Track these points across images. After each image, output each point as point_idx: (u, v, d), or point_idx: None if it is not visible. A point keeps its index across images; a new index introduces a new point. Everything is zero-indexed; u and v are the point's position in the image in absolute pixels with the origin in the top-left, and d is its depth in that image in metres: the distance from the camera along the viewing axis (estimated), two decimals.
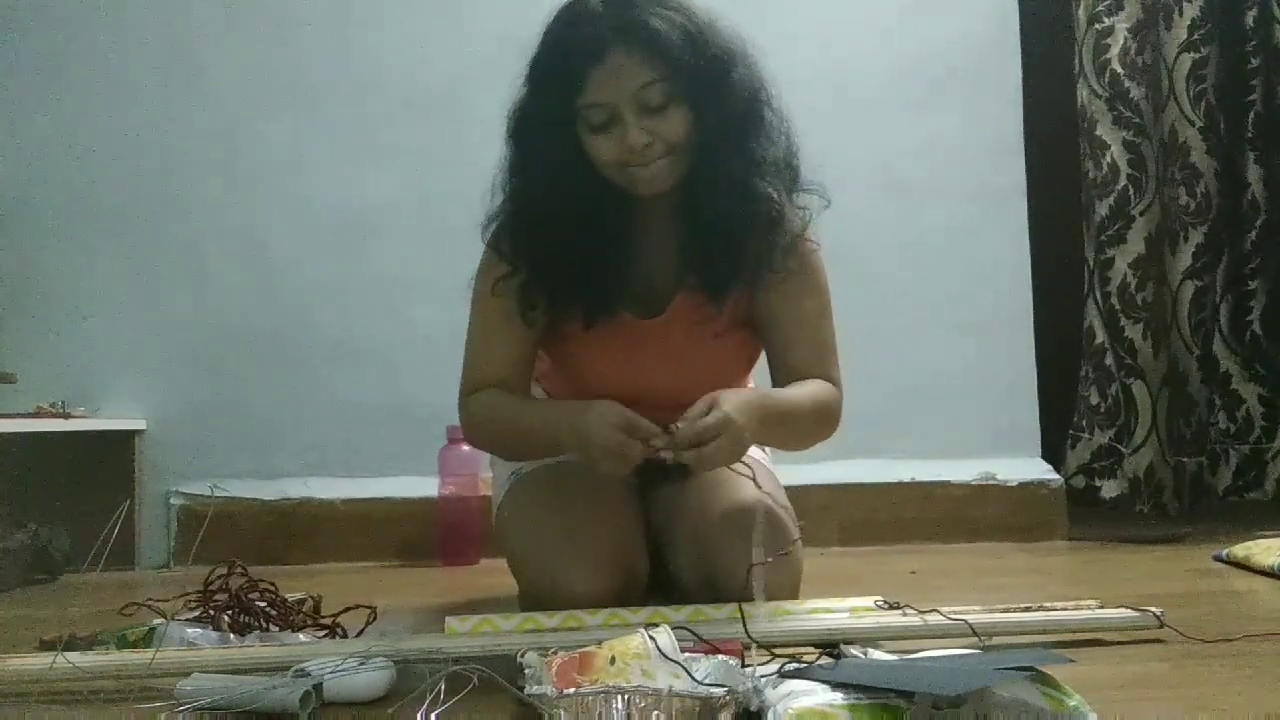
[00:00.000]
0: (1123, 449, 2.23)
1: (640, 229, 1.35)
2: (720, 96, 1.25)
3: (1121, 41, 2.26)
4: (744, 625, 1.09)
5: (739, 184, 1.27)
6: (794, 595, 1.30)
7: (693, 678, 0.86)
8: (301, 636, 1.18)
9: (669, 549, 1.36)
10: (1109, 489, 2.23)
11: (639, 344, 1.35)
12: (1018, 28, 2.37)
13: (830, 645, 1.05)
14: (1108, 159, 2.26)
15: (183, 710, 0.90)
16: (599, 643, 0.94)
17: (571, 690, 0.82)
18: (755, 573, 1.13)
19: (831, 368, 1.38)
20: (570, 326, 1.35)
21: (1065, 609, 1.20)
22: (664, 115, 1.23)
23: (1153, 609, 1.17)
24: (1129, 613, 1.18)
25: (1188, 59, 2.30)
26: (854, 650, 1.00)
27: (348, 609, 1.25)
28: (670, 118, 1.23)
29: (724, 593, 1.23)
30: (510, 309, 1.33)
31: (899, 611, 1.19)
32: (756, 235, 1.30)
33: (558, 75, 1.23)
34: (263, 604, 1.23)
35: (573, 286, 1.31)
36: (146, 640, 1.11)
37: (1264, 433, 2.33)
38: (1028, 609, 1.20)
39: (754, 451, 1.36)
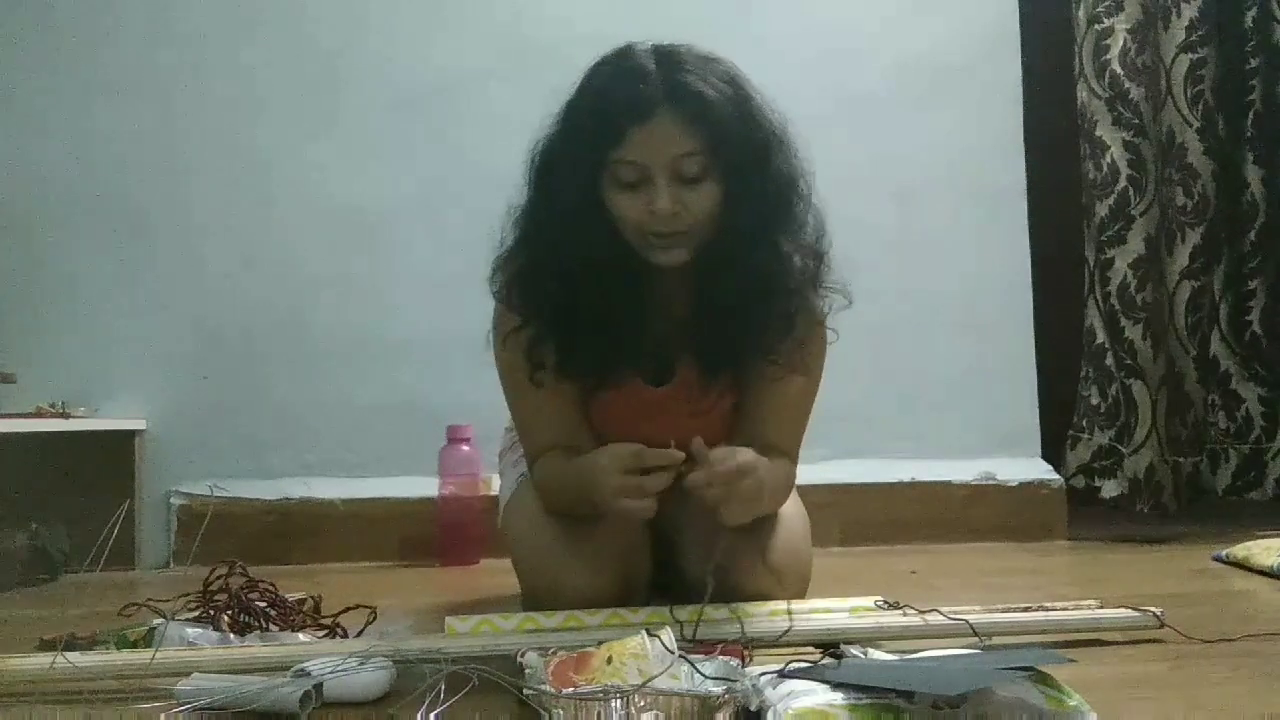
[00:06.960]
0: (1123, 449, 2.23)
1: (655, 294, 1.31)
2: (755, 182, 1.22)
3: (1121, 42, 2.26)
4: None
5: (757, 275, 1.24)
6: (801, 595, 1.30)
7: (698, 671, 0.86)
8: (301, 636, 1.17)
9: (677, 550, 1.35)
10: (1109, 489, 2.23)
11: (645, 411, 1.32)
12: (1018, 28, 2.37)
13: (830, 645, 1.05)
14: (1108, 159, 2.26)
15: (183, 710, 0.90)
16: (598, 643, 0.94)
17: (571, 690, 0.82)
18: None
19: (795, 446, 1.36)
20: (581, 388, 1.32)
21: (1065, 609, 1.20)
22: (696, 188, 1.20)
23: (1153, 609, 1.18)
24: (1129, 613, 1.18)
25: (1185, 59, 2.30)
26: (854, 650, 1.00)
27: (348, 609, 1.25)
28: (701, 192, 1.20)
29: (735, 593, 1.23)
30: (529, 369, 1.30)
31: (899, 611, 1.19)
32: (767, 327, 1.27)
33: (596, 126, 1.19)
34: (263, 604, 1.23)
35: (581, 351, 1.28)
36: (146, 640, 1.11)
37: (1264, 432, 2.33)
38: (1028, 609, 1.20)
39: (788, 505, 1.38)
